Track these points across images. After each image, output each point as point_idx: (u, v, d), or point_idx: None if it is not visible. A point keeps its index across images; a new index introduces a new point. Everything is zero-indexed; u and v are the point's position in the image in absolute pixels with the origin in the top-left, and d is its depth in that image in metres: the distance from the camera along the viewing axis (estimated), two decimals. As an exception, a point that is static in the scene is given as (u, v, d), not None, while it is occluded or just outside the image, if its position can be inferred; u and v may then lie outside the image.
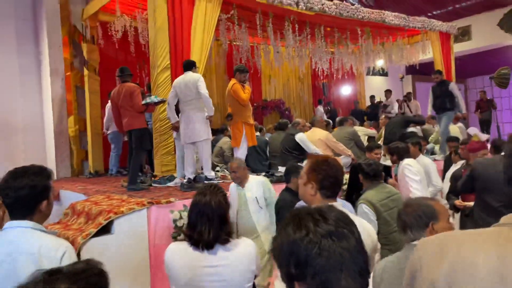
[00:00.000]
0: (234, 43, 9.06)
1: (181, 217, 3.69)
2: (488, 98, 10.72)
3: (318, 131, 5.45)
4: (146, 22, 7.14)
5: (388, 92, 11.27)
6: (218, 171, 5.77)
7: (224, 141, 6.61)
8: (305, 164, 1.86)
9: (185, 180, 4.93)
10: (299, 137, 5.15)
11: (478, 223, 3.33)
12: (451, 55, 10.35)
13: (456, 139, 5.67)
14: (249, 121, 5.05)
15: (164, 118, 5.77)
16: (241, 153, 5.04)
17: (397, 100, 12.12)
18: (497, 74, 10.01)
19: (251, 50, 8.93)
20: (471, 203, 3.48)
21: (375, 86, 13.86)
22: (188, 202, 3.86)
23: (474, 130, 3.86)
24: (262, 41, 9.02)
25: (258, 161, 5.55)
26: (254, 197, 3.60)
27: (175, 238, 3.69)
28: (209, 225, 1.78)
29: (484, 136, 3.56)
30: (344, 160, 5.33)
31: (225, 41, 8.16)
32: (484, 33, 12.34)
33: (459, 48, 11.99)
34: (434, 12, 12.10)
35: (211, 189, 1.88)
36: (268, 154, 5.78)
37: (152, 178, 5.56)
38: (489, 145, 4.12)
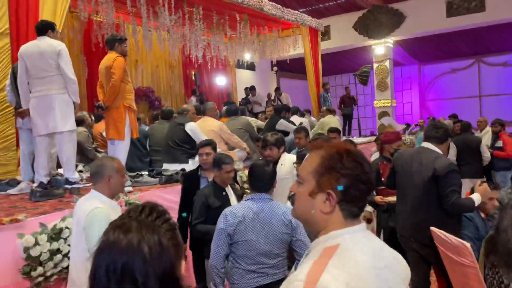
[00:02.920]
0: (95, 18, 7.57)
1: (36, 243, 2.49)
2: (351, 95, 11.44)
3: (211, 121, 4.65)
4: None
5: (253, 89, 11.12)
6: (81, 171, 4.50)
7: (79, 132, 5.22)
8: (308, 156, 1.09)
9: (35, 185, 3.62)
10: (191, 127, 4.28)
11: (398, 219, 3.08)
12: (318, 50, 10.72)
13: (336, 129, 5.48)
14: (132, 105, 3.97)
15: (1, 101, 4.26)
16: (124, 147, 3.90)
17: (268, 94, 12.17)
18: (360, 72, 10.70)
19: (116, 28, 7.58)
20: (394, 198, 3.19)
21: (244, 80, 13.73)
22: (46, 218, 2.68)
23: (388, 120, 3.69)
24: (129, 19, 7.75)
25: (137, 158, 4.48)
26: None
27: (27, 275, 2.48)
28: None
29: (398, 126, 3.43)
30: (238, 154, 4.67)
31: (83, 13, 6.69)
32: (341, 34, 13.20)
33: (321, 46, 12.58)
34: (300, 10, 12.43)
35: (142, 216, 0.90)
36: (148, 149, 4.73)
37: (-17, 184, 4.01)
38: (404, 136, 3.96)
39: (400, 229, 3.05)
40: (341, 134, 7.70)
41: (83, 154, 5.10)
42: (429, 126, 3.10)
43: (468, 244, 2.30)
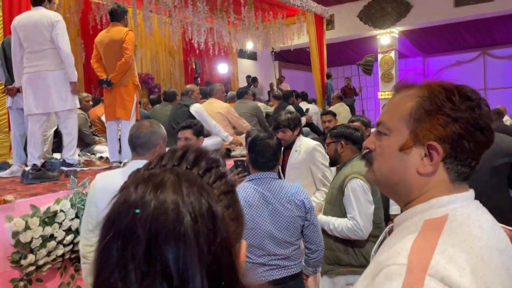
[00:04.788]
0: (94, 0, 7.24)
1: (27, 228, 2.19)
2: (352, 86, 11.18)
3: (217, 103, 4.35)
4: None
5: (255, 81, 10.88)
6: (79, 155, 4.20)
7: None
8: (395, 98, 0.80)
9: (28, 168, 3.32)
10: (196, 108, 3.97)
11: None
12: (323, 39, 10.41)
13: (330, 112, 4.96)
14: (139, 84, 3.73)
15: (-9, 79, 3.95)
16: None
17: (270, 84, 11.88)
18: (364, 61, 10.42)
19: (114, 9, 7.22)
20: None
21: (245, 70, 13.43)
22: (38, 200, 2.38)
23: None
24: (129, 0, 7.40)
25: (138, 141, 4.18)
26: None
27: (16, 263, 2.18)
28: None
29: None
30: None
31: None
32: (346, 23, 12.88)
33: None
34: (304, -2, 12.11)
35: (182, 166, 0.56)
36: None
37: (-28, 167, 3.70)
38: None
39: None
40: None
41: (80, 139, 4.80)
42: None
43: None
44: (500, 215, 2.60)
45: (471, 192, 0.76)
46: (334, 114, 3.98)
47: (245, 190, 2.00)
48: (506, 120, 6.32)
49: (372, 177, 0.82)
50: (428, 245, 0.65)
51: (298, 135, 3.13)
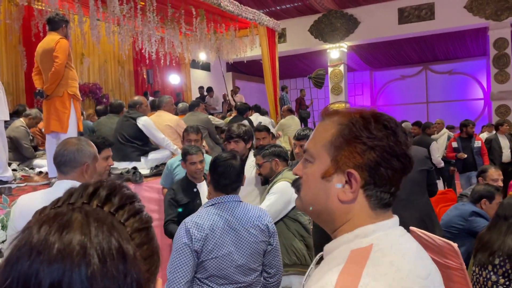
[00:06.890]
0: (35, 5, 6.89)
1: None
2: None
3: (166, 115, 4.26)
4: None
5: (210, 91, 10.93)
6: (15, 170, 3.94)
7: (15, 127, 4.58)
8: (319, 125, 0.81)
9: (-44, 186, 3.06)
10: (143, 121, 3.86)
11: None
12: (276, 52, 10.57)
13: (265, 128, 3.94)
14: (77, 94, 3.53)
15: None
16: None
17: (224, 95, 11.88)
18: (315, 74, 10.67)
19: (59, 16, 6.92)
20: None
21: (198, 80, 13.35)
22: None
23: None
24: (74, 7, 7.13)
25: (81, 155, 3.98)
26: None
27: None
28: None
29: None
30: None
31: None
32: (297, 37, 13.19)
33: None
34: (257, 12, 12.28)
35: (92, 204, 0.53)
36: (95, 146, 4.24)
37: None
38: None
39: None
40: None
41: (19, 152, 4.52)
42: None
43: (455, 244, 2.12)
44: (426, 218, 2.80)
45: (395, 219, 0.77)
46: (268, 130, 3.76)
47: (210, 216, 1.87)
48: (444, 132, 6.69)
49: (300, 204, 0.82)
50: (352, 279, 0.65)
51: (249, 149, 3.10)
